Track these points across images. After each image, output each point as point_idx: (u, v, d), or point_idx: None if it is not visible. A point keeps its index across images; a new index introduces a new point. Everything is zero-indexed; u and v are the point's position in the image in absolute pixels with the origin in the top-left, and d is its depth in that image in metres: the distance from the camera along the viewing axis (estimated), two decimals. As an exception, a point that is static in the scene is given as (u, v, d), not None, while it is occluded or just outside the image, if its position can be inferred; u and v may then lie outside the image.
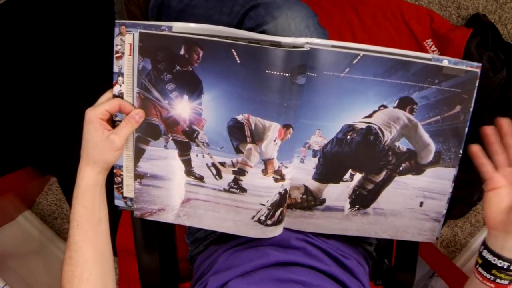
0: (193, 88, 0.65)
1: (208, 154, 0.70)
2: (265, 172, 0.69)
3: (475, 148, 0.68)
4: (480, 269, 0.65)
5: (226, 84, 0.64)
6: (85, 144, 0.65)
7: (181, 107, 0.67)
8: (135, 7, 0.97)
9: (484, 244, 0.66)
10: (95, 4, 1.25)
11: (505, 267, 0.63)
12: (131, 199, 0.74)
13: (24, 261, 1.29)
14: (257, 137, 0.67)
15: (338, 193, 0.73)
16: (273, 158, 0.68)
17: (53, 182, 1.44)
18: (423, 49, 1.40)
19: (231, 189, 0.71)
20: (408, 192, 0.73)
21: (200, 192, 0.72)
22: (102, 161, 0.65)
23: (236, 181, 0.71)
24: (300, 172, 0.71)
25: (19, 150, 1.28)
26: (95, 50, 1.23)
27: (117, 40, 0.65)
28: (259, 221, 0.72)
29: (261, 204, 0.71)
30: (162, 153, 0.70)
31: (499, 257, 0.64)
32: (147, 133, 0.69)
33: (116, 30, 0.65)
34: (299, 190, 0.73)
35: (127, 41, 0.65)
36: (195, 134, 0.68)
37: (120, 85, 0.67)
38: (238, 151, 0.69)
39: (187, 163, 0.71)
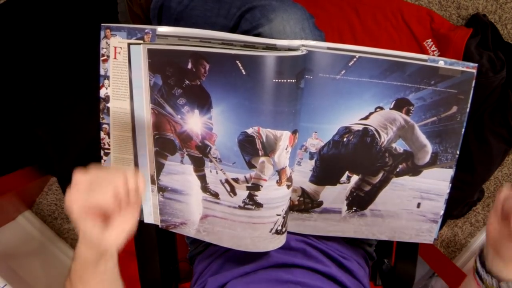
0: (202, 102, 0.65)
1: (221, 170, 0.68)
2: (279, 182, 0.68)
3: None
4: (476, 274, 0.65)
5: (234, 97, 0.63)
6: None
7: (193, 122, 0.66)
8: (137, 7, 0.97)
9: (480, 255, 0.65)
10: (98, 3, 1.25)
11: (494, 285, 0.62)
12: None
13: (24, 261, 1.29)
14: (269, 148, 0.65)
15: (335, 195, 0.73)
16: (286, 167, 0.67)
17: (53, 182, 1.44)
18: (423, 49, 1.39)
19: (246, 206, 0.69)
20: (405, 193, 0.73)
21: (217, 209, 0.71)
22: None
23: (251, 197, 0.69)
24: (297, 174, 0.71)
25: (19, 150, 1.28)
26: (95, 50, 1.23)
27: (102, 43, 0.65)
28: (277, 232, 0.71)
29: (277, 215, 0.70)
30: (180, 168, 0.70)
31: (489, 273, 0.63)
32: (164, 147, 0.69)
33: (102, 34, 0.65)
34: (296, 193, 0.73)
35: (112, 44, 0.65)
36: (208, 149, 0.67)
37: (106, 88, 0.67)
38: (250, 165, 0.67)
39: (202, 179, 0.70)
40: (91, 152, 1.25)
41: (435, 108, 0.67)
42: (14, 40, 1.22)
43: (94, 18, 1.25)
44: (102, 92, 0.67)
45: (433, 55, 1.37)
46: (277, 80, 0.60)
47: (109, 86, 0.67)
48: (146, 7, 0.94)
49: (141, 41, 0.65)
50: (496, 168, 1.47)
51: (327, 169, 0.71)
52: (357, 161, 0.71)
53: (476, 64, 0.66)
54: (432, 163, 0.71)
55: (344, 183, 0.72)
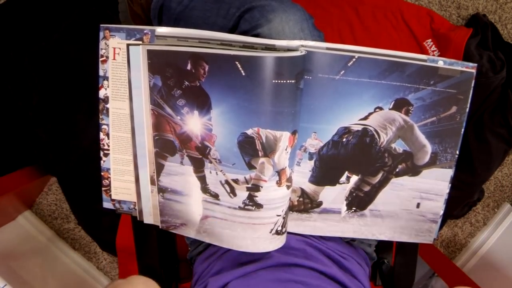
0: (202, 103, 0.64)
1: (221, 171, 0.68)
2: (279, 183, 0.68)
3: None
4: None
5: (234, 98, 0.62)
6: None
7: (193, 123, 0.66)
8: (137, 7, 0.98)
9: None
10: (98, 3, 1.25)
11: None
12: (119, 202, 0.74)
13: (24, 261, 1.29)
14: (269, 149, 0.65)
15: (334, 195, 0.73)
16: (286, 167, 0.67)
17: (53, 182, 1.44)
18: (423, 49, 1.39)
19: (246, 207, 0.69)
20: (404, 194, 0.73)
21: (217, 210, 0.71)
22: None
23: (251, 197, 0.68)
24: (297, 175, 0.71)
25: (19, 150, 1.28)
26: (95, 50, 1.23)
27: (101, 44, 0.66)
28: (277, 232, 0.71)
29: (277, 215, 0.70)
30: (179, 169, 0.70)
31: None
32: (164, 148, 0.69)
33: (101, 34, 0.65)
34: (296, 193, 0.73)
35: (111, 45, 0.65)
36: (207, 151, 0.67)
37: (106, 89, 0.68)
38: (250, 166, 0.67)
39: (202, 180, 0.70)
40: (91, 153, 1.25)
41: (435, 108, 0.67)
42: (14, 39, 1.22)
43: (95, 18, 1.25)
44: (101, 93, 0.68)
45: (433, 55, 1.37)
46: (276, 81, 0.60)
47: (108, 87, 0.67)
48: (147, 7, 0.94)
49: (140, 42, 0.65)
50: (496, 168, 1.47)
51: (327, 169, 0.71)
52: (356, 162, 0.71)
53: (476, 64, 0.66)
54: (432, 163, 0.71)
55: (344, 183, 0.72)
